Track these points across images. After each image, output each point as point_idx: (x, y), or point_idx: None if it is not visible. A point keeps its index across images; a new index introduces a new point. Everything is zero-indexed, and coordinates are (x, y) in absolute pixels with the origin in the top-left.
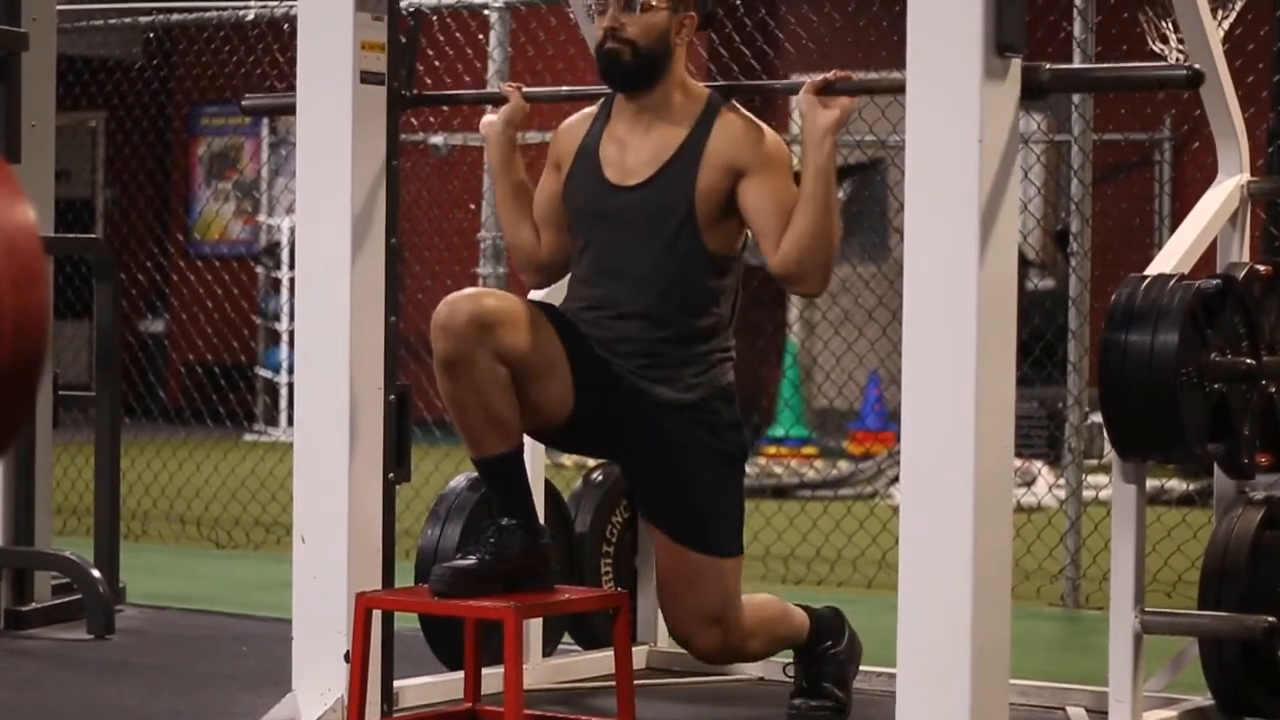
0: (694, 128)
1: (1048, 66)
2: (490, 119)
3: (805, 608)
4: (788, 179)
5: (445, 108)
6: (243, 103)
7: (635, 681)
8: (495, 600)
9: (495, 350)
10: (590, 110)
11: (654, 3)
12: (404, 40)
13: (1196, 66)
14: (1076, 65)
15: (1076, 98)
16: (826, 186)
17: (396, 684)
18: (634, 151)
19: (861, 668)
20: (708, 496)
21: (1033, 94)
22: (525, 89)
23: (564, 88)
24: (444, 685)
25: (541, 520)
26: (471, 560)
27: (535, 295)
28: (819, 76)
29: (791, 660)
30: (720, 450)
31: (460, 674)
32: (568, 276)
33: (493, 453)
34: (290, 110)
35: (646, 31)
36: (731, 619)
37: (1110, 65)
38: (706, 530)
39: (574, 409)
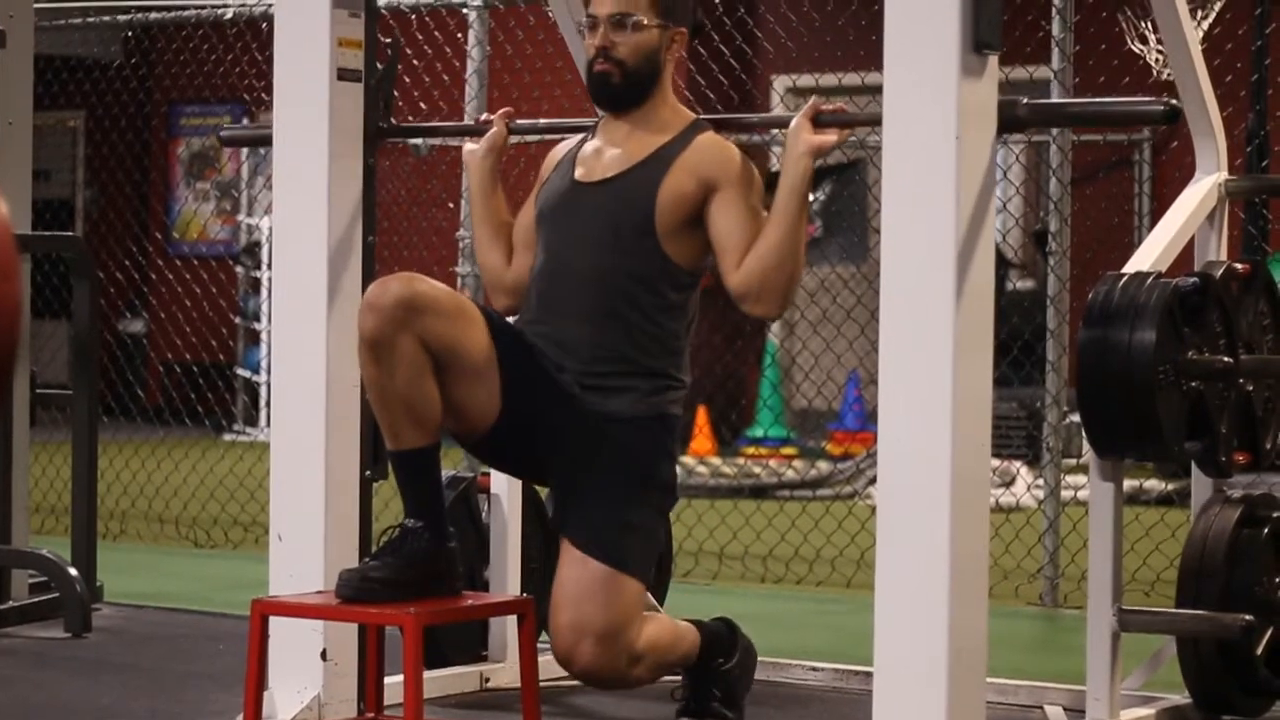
0: (673, 139)
1: (1025, 101)
2: (471, 147)
3: (695, 622)
4: (759, 204)
5: (423, 105)
6: (221, 134)
7: None
8: (396, 607)
9: (421, 336)
10: (583, 135)
11: (645, 21)
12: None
13: (1174, 103)
14: (1054, 100)
15: (1056, 97)
16: (799, 207)
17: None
18: (609, 155)
19: (840, 667)
20: (628, 512)
21: (1010, 128)
22: (509, 121)
23: (546, 120)
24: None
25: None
26: (377, 564)
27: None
28: (815, 103)
29: (680, 679)
30: (649, 475)
31: (437, 671)
32: None
33: (408, 446)
34: (267, 141)
35: (636, 51)
36: (622, 641)
37: (1088, 100)
38: (621, 544)
39: (498, 418)
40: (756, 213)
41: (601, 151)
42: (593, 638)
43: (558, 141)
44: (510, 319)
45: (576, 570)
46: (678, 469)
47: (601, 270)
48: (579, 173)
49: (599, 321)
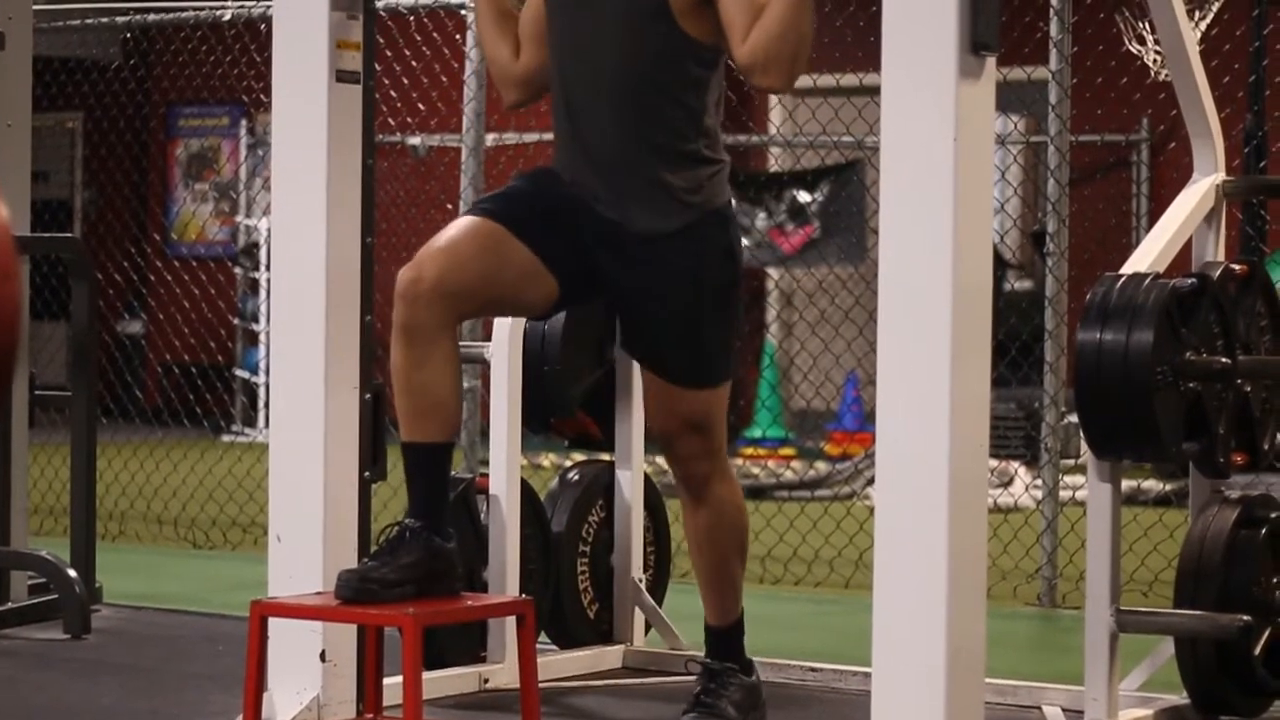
0: None
1: None
2: None
3: None
4: None
5: (422, 106)
6: None
7: (612, 681)
8: (395, 608)
9: (460, 316)
10: None
11: None
12: None
13: None
14: None
15: (1054, 98)
16: None
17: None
18: None
19: (838, 667)
20: (694, 334)
21: None
22: None
23: None
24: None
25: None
26: (376, 565)
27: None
28: None
29: (699, 663)
30: (709, 283)
31: (436, 672)
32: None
33: (422, 440)
34: None
35: None
36: (715, 435)
37: None
38: (691, 367)
39: (558, 295)
40: None
41: None
42: (688, 426)
43: None
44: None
45: (658, 389)
46: (738, 252)
47: (623, 59)
48: None
49: (629, 111)
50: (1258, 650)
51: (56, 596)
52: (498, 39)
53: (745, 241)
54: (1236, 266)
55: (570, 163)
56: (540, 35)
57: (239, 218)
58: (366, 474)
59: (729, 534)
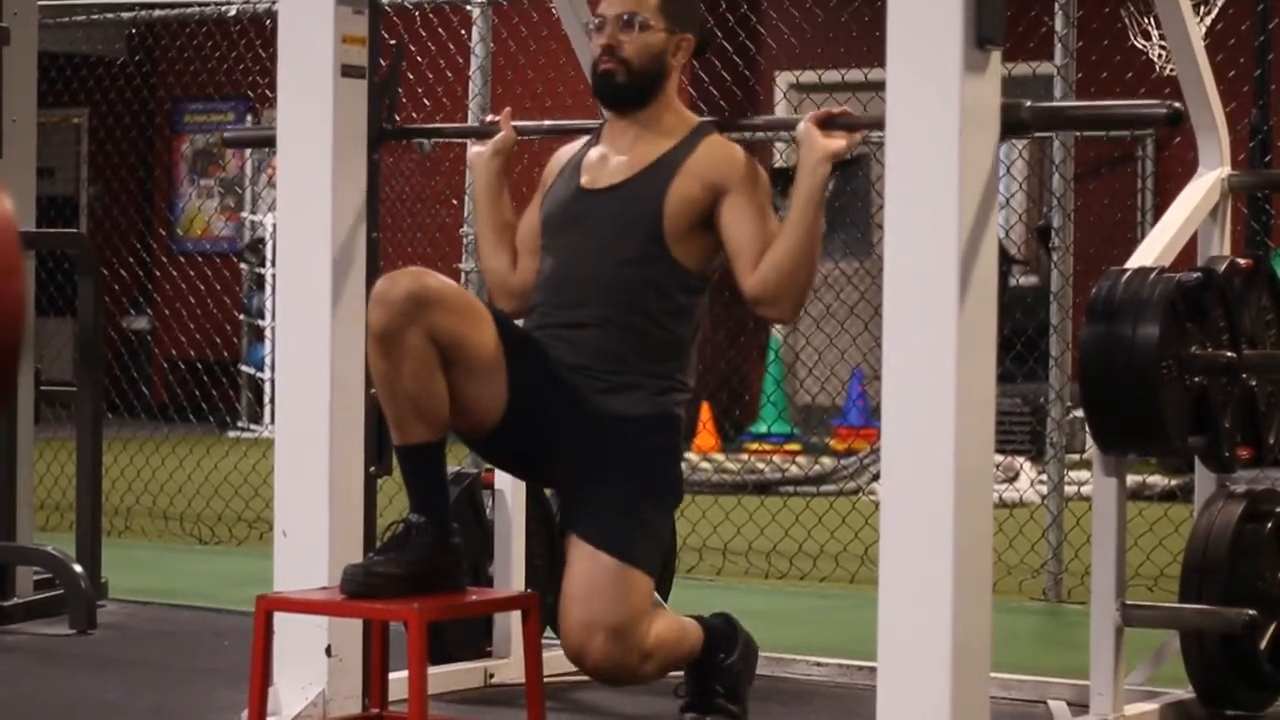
0: (679, 143)
1: (1028, 104)
2: (478, 149)
3: (697, 618)
4: (769, 205)
5: (427, 102)
6: (224, 136)
7: None
8: (400, 603)
9: (430, 331)
10: (585, 138)
11: (652, 22)
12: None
13: (1176, 105)
14: (1057, 104)
15: (1058, 93)
16: (815, 214)
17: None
18: (614, 161)
19: (844, 662)
20: (637, 508)
21: (1013, 131)
22: (515, 122)
23: (552, 121)
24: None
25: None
26: (382, 560)
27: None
28: (822, 110)
29: (683, 675)
30: (657, 473)
31: (442, 667)
32: None
33: (415, 441)
34: (270, 143)
35: (642, 51)
36: (632, 637)
37: (1090, 104)
38: (631, 539)
39: (503, 418)
40: (766, 213)
41: (607, 158)
42: (604, 633)
43: (562, 141)
44: (518, 322)
45: (587, 566)
46: (682, 465)
47: (611, 277)
48: (584, 180)
49: (609, 328)
50: (1263, 645)
51: (62, 592)
52: (496, 249)
53: None
54: (1242, 261)
55: (553, 351)
56: (537, 248)
57: (244, 213)
58: (372, 469)
59: (667, 672)
